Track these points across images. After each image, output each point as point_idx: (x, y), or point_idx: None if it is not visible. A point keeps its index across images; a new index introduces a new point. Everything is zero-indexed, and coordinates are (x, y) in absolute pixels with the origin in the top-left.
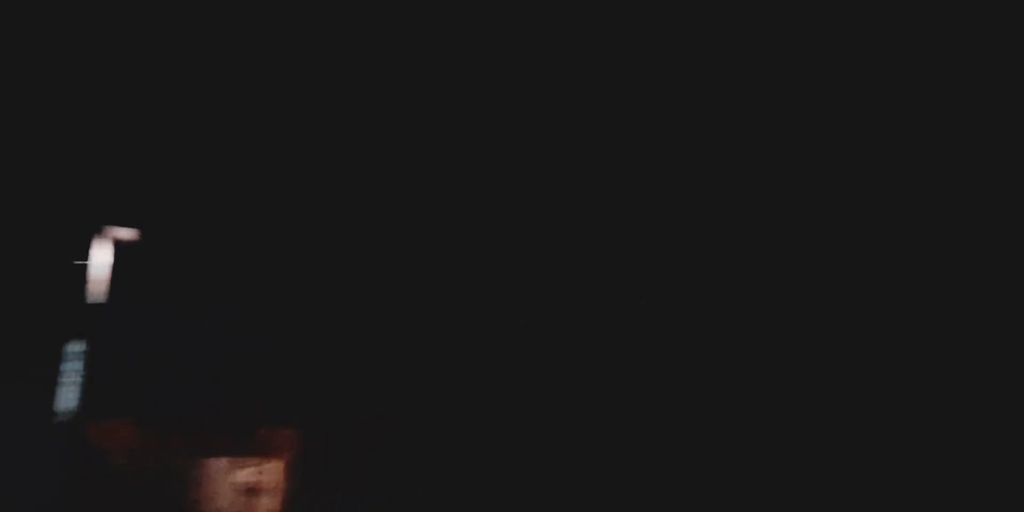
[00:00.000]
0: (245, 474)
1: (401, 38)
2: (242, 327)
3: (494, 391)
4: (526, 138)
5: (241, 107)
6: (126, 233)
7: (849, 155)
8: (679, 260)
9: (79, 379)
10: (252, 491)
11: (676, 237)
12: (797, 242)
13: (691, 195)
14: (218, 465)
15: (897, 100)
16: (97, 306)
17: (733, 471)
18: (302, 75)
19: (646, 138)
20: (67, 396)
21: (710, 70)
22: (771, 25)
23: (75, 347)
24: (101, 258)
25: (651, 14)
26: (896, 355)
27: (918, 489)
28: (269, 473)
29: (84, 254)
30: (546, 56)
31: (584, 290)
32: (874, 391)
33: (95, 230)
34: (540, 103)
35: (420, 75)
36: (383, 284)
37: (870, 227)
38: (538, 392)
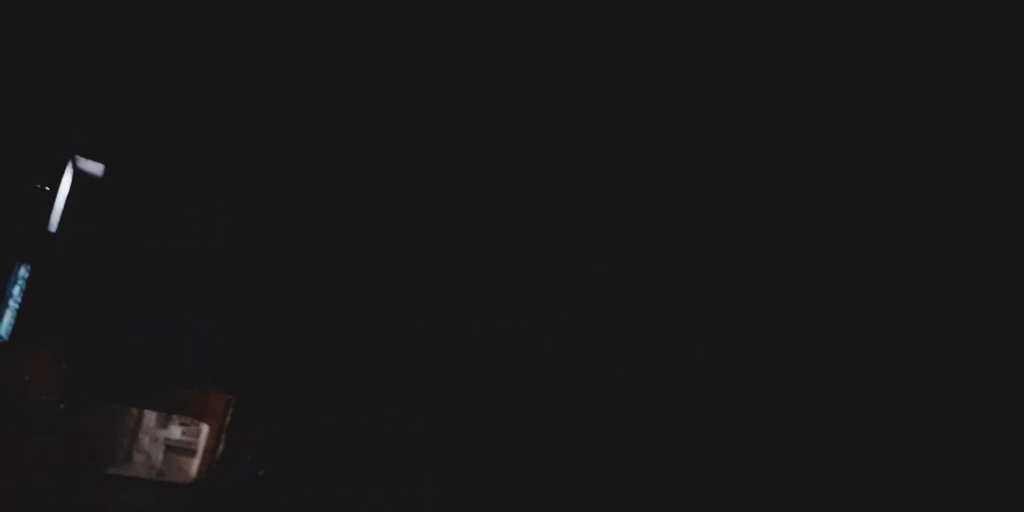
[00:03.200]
0: (174, 432)
1: (402, 39)
2: (240, 325)
3: (494, 391)
4: (526, 140)
5: (242, 109)
6: (90, 165)
7: (849, 155)
8: (679, 260)
9: (15, 305)
10: (178, 450)
11: (676, 237)
12: (797, 242)
13: (691, 196)
14: (148, 418)
15: (897, 100)
16: (50, 233)
17: (732, 470)
18: (304, 76)
19: (646, 139)
20: (6, 321)
21: (709, 72)
22: (771, 26)
23: (22, 272)
24: (64, 186)
25: (651, 15)
26: (896, 355)
27: (917, 489)
28: (199, 435)
29: (49, 180)
30: (546, 57)
31: (584, 290)
32: (874, 391)
33: (63, 159)
34: (540, 105)
35: (421, 76)
36: (383, 284)
37: (870, 227)
38: (538, 392)
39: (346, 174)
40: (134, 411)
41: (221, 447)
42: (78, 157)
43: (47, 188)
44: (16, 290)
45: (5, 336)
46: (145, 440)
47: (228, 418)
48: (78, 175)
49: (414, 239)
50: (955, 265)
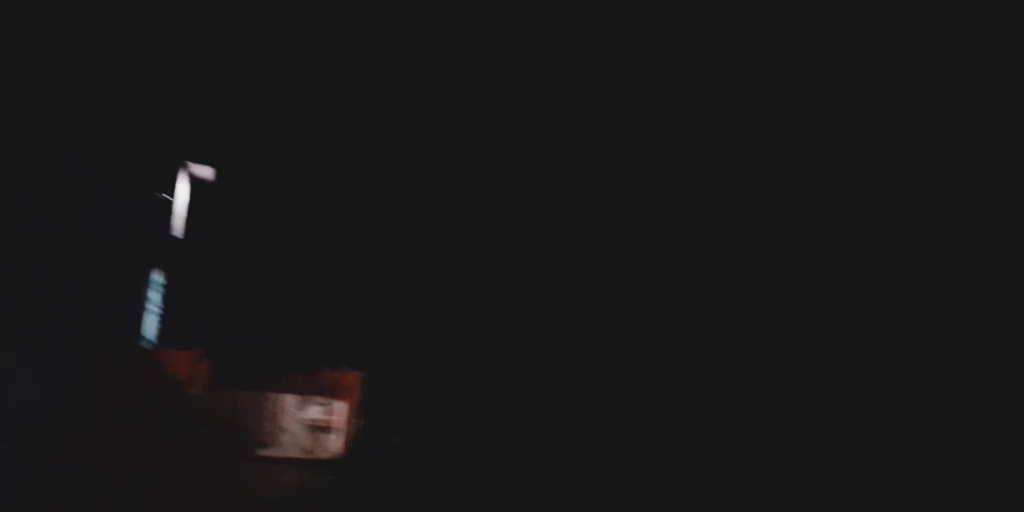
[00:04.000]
0: (313, 412)
1: (405, 42)
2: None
3: (494, 390)
4: (526, 140)
5: (245, 112)
6: (202, 170)
7: (849, 155)
8: (678, 260)
9: (157, 309)
10: (320, 428)
11: (675, 238)
12: (797, 242)
13: (690, 196)
14: (288, 401)
15: (896, 101)
16: (177, 239)
17: (732, 470)
18: (307, 81)
19: (646, 140)
20: (148, 323)
21: (708, 72)
22: (771, 26)
23: (158, 277)
24: (183, 193)
25: (652, 15)
26: (895, 355)
27: (917, 488)
28: (336, 412)
29: (168, 188)
30: (547, 59)
31: (584, 290)
32: (873, 391)
33: (178, 167)
34: (540, 106)
35: (422, 78)
36: (384, 284)
37: (870, 227)
38: (537, 391)
39: (349, 176)
40: (273, 396)
41: (359, 421)
42: (189, 163)
43: (167, 196)
44: (155, 295)
45: (152, 338)
46: (287, 421)
47: (361, 393)
48: (193, 181)
49: (414, 240)
50: (955, 265)
